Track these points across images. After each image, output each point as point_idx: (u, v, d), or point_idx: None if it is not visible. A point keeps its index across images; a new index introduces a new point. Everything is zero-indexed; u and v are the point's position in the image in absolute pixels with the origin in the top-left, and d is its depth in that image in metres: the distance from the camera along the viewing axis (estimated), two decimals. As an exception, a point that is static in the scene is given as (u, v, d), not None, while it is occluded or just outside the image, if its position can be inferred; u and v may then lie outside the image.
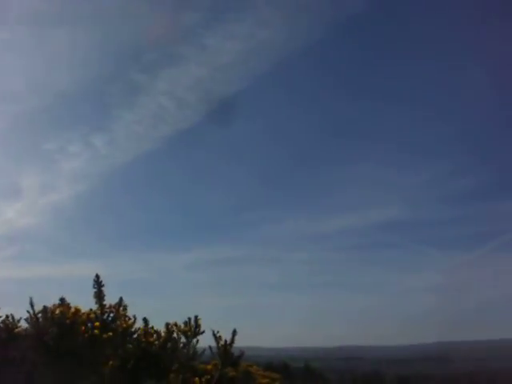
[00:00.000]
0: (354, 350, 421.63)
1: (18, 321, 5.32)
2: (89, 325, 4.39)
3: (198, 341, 4.23)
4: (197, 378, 4.14)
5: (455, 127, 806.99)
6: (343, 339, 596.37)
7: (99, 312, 4.56)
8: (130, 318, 4.35)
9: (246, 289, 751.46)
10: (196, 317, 4.31)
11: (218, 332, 4.37)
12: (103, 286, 4.75)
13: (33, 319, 4.75)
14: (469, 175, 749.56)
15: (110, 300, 5.13)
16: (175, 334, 4.24)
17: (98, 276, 4.79)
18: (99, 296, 4.69)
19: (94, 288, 4.79)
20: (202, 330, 4.35)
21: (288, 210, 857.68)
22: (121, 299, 4.86)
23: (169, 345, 4.08)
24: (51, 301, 5.10)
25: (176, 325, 4.26)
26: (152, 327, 4.21)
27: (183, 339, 4.24)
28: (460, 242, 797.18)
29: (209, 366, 6.75)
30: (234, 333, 4.44)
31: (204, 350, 4.55)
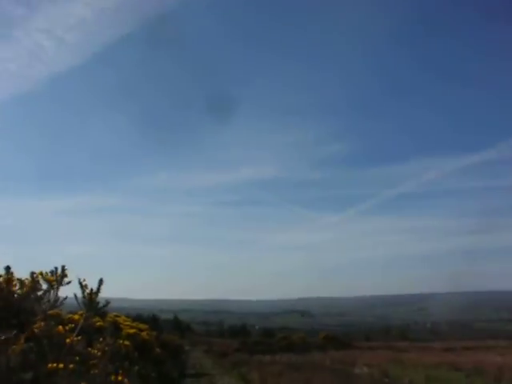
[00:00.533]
0: (223, 304, 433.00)
1: None
2: None
3: (59, 289, 4.13)
4: (61, 327, 4.07)
5: (334, 94, 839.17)
6: (212, 293, 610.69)
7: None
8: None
9: (117, 239, 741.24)
10: (63, 267, 4.21)
11: (84, 280, 4.30)
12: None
13: None
14: (342, 141, 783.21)
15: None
16: (41, 284, 4.11)
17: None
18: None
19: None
20: (68, 280, 4.25)
21: (162, 163, 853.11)
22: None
23: (33, 295, 3.95)
24: None
25: (41, 274, 4.13)
26: (14, 276, 4.05)
27: (49, 289, 4.12)
28: (329, 204, 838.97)
29: (76, 316, 6.67)
30: (101, 282, 4.39)
31: (66, 297, 4.45)
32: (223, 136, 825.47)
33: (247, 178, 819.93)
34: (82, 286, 4.22)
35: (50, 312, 4.17)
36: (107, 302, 4.54)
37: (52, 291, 4.04)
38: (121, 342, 7.33)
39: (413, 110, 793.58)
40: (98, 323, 9.43)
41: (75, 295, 4.27)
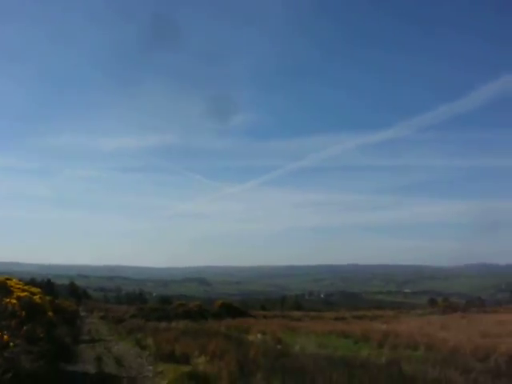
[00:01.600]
0: (121, 270, 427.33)
1: None
2: None
3: None
4: None
5: (239, 65, 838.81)
6: (110, 259, 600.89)
7: None
8: None
9: (12, 201, 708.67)
10: None
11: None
12: None
13: None
14: (246, 112, 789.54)
15: None
16: None
17: None
18: None
19: None
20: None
21: (67, 124, 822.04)
22: None
23: None
24: None
25: None
26: None
27: None
28: (232, 174, 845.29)
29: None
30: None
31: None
32: (131, 101, 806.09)
33: (151, 145, 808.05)
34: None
35: None
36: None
37: None
38: (7, 300, 7.10)
39: (317, 87, 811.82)
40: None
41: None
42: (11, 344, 4.58)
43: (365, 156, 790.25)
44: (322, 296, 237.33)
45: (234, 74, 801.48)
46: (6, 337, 4.57)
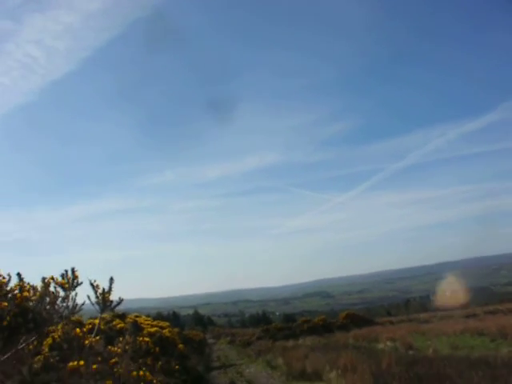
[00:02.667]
0: (242, 294, 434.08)
1: None
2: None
3: (76, 294, 4.15)
4: (78, 329, 4.10)
5: (329, 75, 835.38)
6: (230, 284, 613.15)
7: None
8: (3, 277, 4.17)
9: (130, 241, 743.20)
10: (73, 269, 4.22)
11: (95, 281, 4.31)
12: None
13: None
14: (341, 121, 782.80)
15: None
16: (52, 288, 4.12)
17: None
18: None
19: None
20: (79, 281, 4.27)
21: (167, 160, 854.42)
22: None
23: (47, 299, 3.97)
24: None
25: (53, 278, 4.15)
26: (28, 283, 4.07)
27: (62, 293, 4.14)
28: (337, 184, 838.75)
29: (96, 320, 6.71)
30: (111, 280, 4.40)
31: (83, 302, 4.46)
32: (224, 128, 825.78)
33: (253, 167, 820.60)
34: (94, 287, 4.24)
35: (72, 318, 4.20)
36: (120, 300, 4.55)
37: (66, 294, 4.07)
38: (140, 339, 7.38)
39: (399, 89, 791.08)
40: (119, 325, 9.50)
41: (88, 296, 4.28)
42: (154, 381, 4.76)
43: (469, 145, 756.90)
44: (448, 294, 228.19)
45: (323, 85, 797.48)
46: (148, 374, 4.74)
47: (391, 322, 46.61)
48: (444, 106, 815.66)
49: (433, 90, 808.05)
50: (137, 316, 16.32)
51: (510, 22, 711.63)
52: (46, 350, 3.79)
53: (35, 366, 3.51)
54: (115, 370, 4.30)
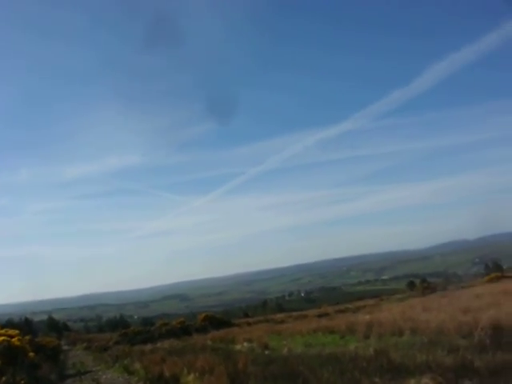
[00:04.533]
0: (99, 297, 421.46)
1: None
2: None
3: None
4: None
5: (184, 79, 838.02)
6: (87, 287, 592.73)
7: None
8: None
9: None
10: None
11: None
12: None
13: None
14: (201, 124, 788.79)
15: None
16: None
17: None
18: None
19: None
20: None
21: (23, 157, 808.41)
22: None
23: None
24: None
25: None
26: None
27: None
28: (196, 186, 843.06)
29: None
30: None
31: None
32: (83, 128, 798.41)
33: (112, 168, 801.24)
34: None
35: None
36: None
37: None
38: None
39: (261, 92, 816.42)
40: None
41: None
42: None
43: (325, 151, 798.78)
44: (303, 295, 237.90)
45: (181, 89, 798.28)
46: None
47: (248, 323, 47.63)
48: (303, 112, 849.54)
49: (293, 95, 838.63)
50: (-18, 324, 15.26)
51: (374, 21, 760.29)
52: None
53: None
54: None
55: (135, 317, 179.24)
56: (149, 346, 32.37)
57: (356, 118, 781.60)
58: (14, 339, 13.39)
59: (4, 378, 7.81)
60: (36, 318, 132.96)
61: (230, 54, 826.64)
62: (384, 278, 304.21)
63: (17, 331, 17.53)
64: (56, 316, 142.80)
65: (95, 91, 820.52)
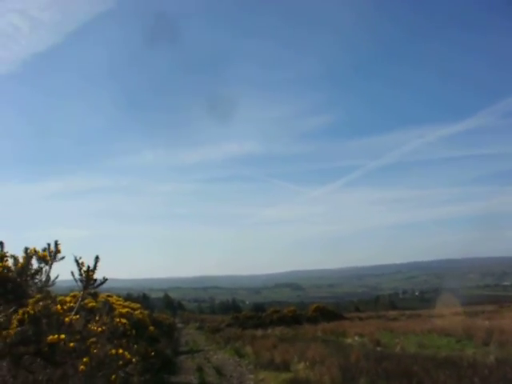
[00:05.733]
0: (214, 280, 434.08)
1: None
2: None
3: (52, 265, 4.04)
4: (59, 306, 4.01)
5: (314, 69, 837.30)
6: (201, 269, 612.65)
7: None
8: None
9: (105, 220, 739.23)
10: (56, 242, 4.13)
11: (80, 258, 4.22)
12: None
13: None
14: (323, 114, 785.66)
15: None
16: (34, 260, 4.03)
17: None
18: None
19: None
20: (62, 255, 4.17)
21: (147, 142, 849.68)
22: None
23: (28, 271, 3.88)
24: None
25: (35, 250, 4.05)
26: (8, 252, 3.96)
27: (44, 266, 4.05)
28: (315, 177, 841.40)
29: (68, 298, 6.61)
30: (97, 259, 4.32)
31: (57, 276, 4.36)
32: (207, 114, 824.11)
33: (232, 155, 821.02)
34: (79, 264, 4.14)
35: (48, 291, 4.12)
36: (105, 279, 4.47)
37: (47, 267, 3.98)
38: (118, 320, 7.29)
39: (385, 86, 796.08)
40: (91, 304, 9.37)
41: (72, 273, 4.18)
42: (133, 360, 4.71)
43: (446, 148, 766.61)
44: (417, 294, 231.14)
45: (307, 78, 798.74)
46: (127, 353, 4.68)
47: (360, 318, 47.03)
48: (426, 107, 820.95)
49: (417, 90, 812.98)
50: (108, 296, 16.18)
51: (504, 24, 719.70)
52: (18, 317, 3.69)
53: (12, 338, 3.43)
54: (92, 348, 4.24)
55: (247, 302, 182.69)
56: (260, 332, 32.83)
57: (482, 115, 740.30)
58: (136, 312, 14.07)
59: (136, 346, 8.28)
60: (152, 295, 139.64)
61: (355, 43, 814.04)
62: (506, 283, 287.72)
63: (138, 305, 18.41)
64: (171, 294, 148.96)
65: (224, 77, 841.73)
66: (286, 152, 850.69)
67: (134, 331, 8.67)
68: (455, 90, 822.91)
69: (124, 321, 8.19)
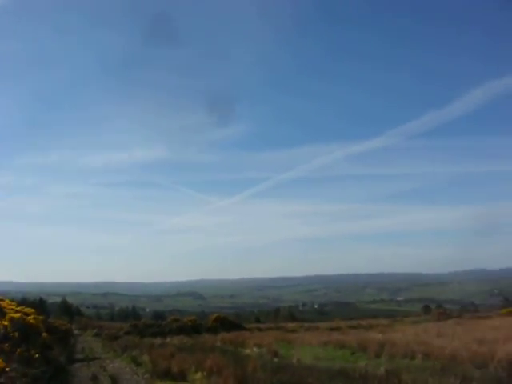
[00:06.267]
0: (114, 286, 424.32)
1: None
2: None
3: None
4: None
5: (224, 78, 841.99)
6: (103, 275, 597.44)
7: None
8: None
9: (3, 220, 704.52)
10: None
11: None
12: None
13: None
14: (234, 124, 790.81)
15: None
16: None
17: None
18: None
19: None
20: None
21: (53, 142, 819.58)
22: None
23: None
24: None
25: None
26: None
27: None
28: (222, 187, 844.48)
29: None
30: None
31: None
32: (115, 117, 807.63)
33: (139, 160, 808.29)
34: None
35: None
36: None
37: None
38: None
39: (302, 100, 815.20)
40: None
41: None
42: (7, 369, 4.45)
43: (354, 165, 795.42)
44: (316, 306, 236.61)
45: (220, 87, 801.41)
46: (0, 361, 4.43)
47: (259, 329, 47.48)
48: (336, 124, 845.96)
49: (328, 105, 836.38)
50: (0, 300, 15.42)
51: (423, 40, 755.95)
52: None
53: None
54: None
55: (147, 310, 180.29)
56: (158, 340, 32.46)
57: (389, 136, 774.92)
58: (29, 317, 13.49)
59: (19, 350, 7.88)
60: (50, 300, 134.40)
61: (269, 56, 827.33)
62: (399, 299, 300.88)
63: (32, 310, 17.67)
64: (69, 300, 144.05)
65: (131, 80, 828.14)
66: (195, 160, 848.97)
67: (16, 334, 8.28)
68: (365, 108, 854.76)
69: (6, 323, 7.83)
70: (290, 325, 55.51)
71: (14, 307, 14.61)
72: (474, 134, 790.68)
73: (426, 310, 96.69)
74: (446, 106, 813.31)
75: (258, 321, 79.18)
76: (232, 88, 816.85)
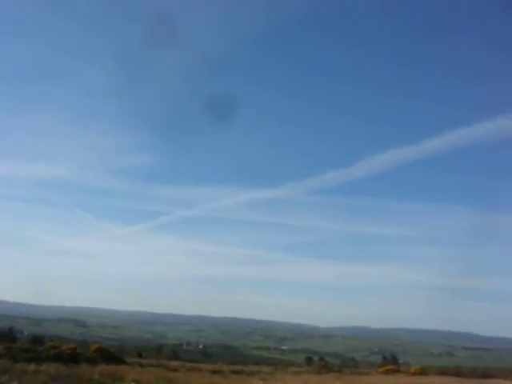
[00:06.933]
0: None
1: None
2: None
3: None
4: None
5: (142, 106, 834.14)
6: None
7: None
8: None
9: None
10: None
11: None
12: None
13: None
14: (141, 154, 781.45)
15: None
16: None
17: None
18: None
19: None
20: None
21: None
22: None
23: None
24: None
25: None
26: None
27: None
28: (120, 215, 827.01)
29: None
30: None
31: None
32: (19, 128, 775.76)
33: (39, 175, 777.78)
34: None
35: None
36: None
37: None
38: None
39: (209, 137, 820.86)
40: None
41: None
42: None
43: (254, 212, 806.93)
44: (201, 347, 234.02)
45: (138, 114, 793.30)
46: None
47: (140, 365, 46.41)
48: (239, 169, 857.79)
49: (232, 152, 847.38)
50: None
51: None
52: None
53: None
54: None
55: (25, 333, 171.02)
56: (33, 366, 30.99)
57: (290, 188, 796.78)
58: None
59: None
60: None
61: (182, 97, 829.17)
62: (283, 347, 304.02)
63: None
64: None
65: (38, 92, 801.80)
66: (96, 185, 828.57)
67: None
68: (272, 156, 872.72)
69: None
70: (173, 363, 54.69)
71: None
72: (371, 195, 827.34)
73: (309, 361, 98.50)
74: (349, 166, 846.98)
75: (140, 356, 77.36)
76: (148, 116, 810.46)
